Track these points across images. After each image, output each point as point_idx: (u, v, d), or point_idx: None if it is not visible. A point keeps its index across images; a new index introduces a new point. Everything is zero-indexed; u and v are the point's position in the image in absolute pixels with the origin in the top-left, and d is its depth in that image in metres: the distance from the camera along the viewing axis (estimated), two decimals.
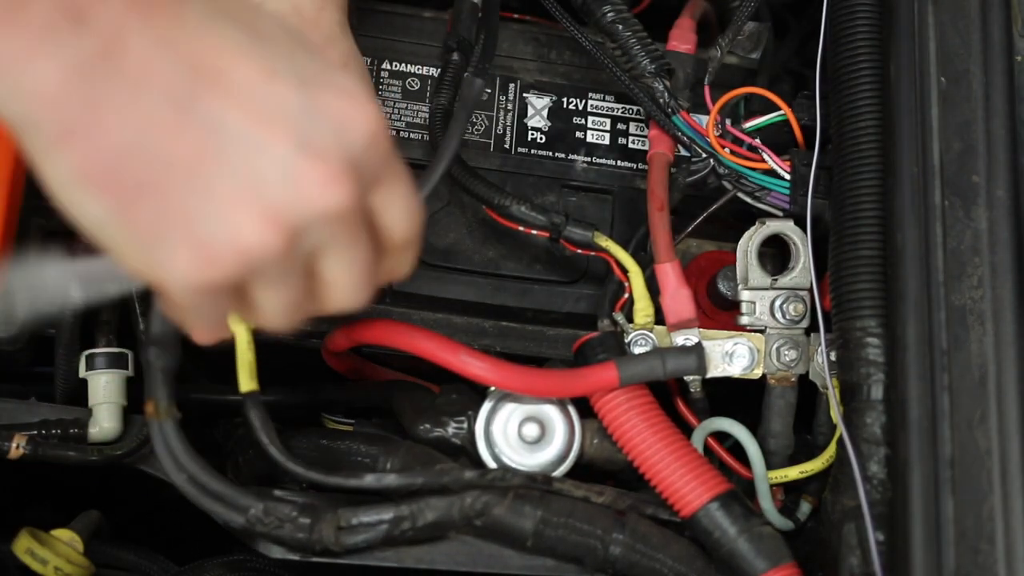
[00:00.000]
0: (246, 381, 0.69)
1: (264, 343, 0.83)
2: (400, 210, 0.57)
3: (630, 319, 0.79)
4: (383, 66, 0.86)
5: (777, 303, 0.80)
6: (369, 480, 0.71)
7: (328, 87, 0.52)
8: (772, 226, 0.80)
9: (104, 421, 0.79)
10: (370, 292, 0.58)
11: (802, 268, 0.80)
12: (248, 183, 0.49)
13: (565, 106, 0.88)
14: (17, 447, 0.76)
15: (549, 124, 0.87)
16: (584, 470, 0.78)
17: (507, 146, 0.86)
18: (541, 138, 0.87)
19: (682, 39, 0.84)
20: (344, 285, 0.56)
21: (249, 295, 0.54)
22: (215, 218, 0.49)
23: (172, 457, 0.69)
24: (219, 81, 0.49)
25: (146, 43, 0.48)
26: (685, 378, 0.79)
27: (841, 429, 0.71)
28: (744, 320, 0.80)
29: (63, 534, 0.78)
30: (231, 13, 0.51)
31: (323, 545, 0.70)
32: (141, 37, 0.48)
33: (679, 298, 0.78)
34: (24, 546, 0.75)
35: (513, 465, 0.76)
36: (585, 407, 0.77)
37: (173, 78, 0.48)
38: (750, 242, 0.81)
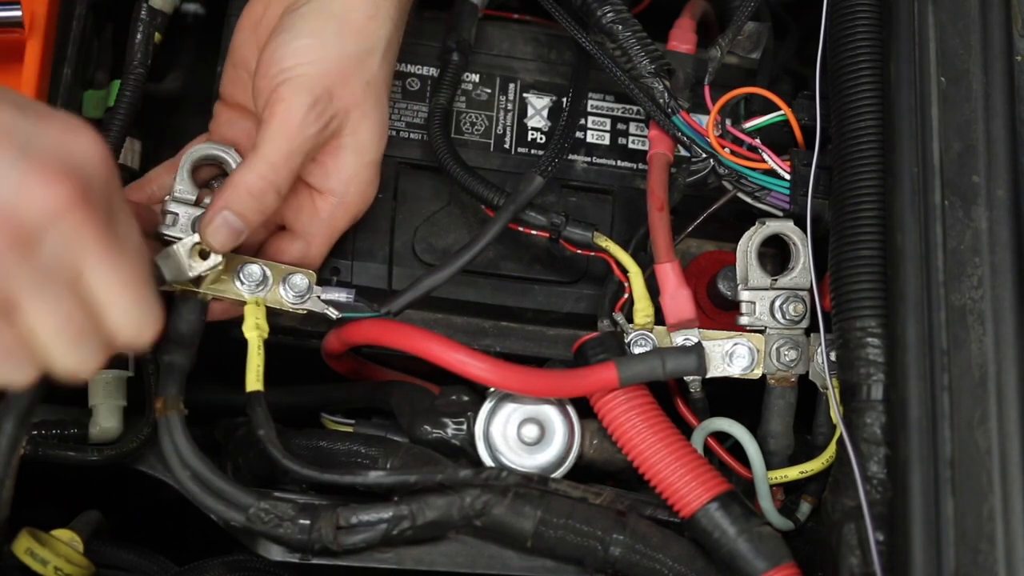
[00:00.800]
0: (253, 382, 0.72)
1: (266, 344, 0.84)
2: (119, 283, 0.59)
3: (630, 319, 0.79)
4: None
5: (777, 303, 0.80)
6: (363, 477, 0.71)
7: (51, 116, 0.57)
8: (772, 226, 0.80)
9: (104, 421, 0.79)
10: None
11: (802, 268, 0.80)
12: None
13: (565, 106, 0.88)
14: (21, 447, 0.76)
15: (549, 124, 0.87)
16: (584, 471, 0.78)
17: (507, 146, 0.86)
18: (541, 138, 0.87)
19: (682, 39, 0.84)
20: (115, 305, 0.58)
21: (21, 320, 0.56)
22: None
23: (176, 452, 0.70)
24: None
25: None
26: (685, 378, 0.79)
27: (841, 429, 0.71)
28: (744, 320, 0.80)
29: (63, 534, 0.78)
30: None
31: (322, 544, 0.70)
32: None
33: (679, 298, 0.78)
34: (24, 546, 0.75)
35: (513, 466, 0.76)
36: (585, 408, 0.77)
37: None
38: (750, 242, 0.81)
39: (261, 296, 0.75)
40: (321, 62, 0.73)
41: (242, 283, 0.74)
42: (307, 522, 0.70)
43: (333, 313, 0.76)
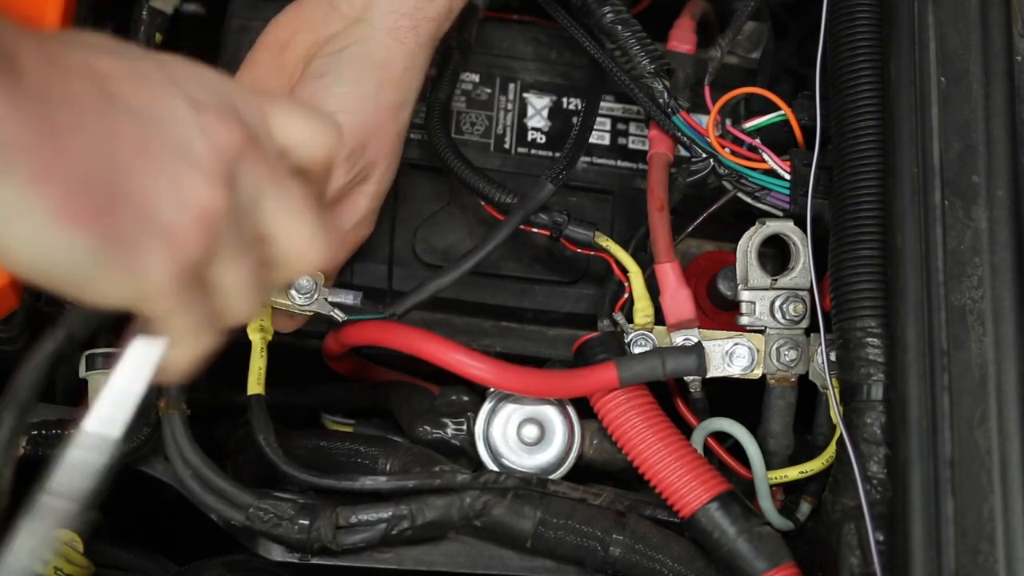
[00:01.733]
0: (254, 384, 0.73)
1: (266, 344, 0.83)
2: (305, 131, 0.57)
3: (630, 319, 0.79)
4: None
5: (777, 303, 0.80)
6: (362, 482, 0.71)
7: (189, 64, 0.55)
8: (772, 226, 0.80)
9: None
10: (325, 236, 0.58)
11: (802, 268, 0.80)
12: (177, 152, 0.51)
13: (565, 106, 0.88)
14: (19, 447, 0.76)
15: (549, 124, 0.87)
16: (584, 471, 0.78)
17: (507, 146, 0.86)
18: (541, 138, 0.87)
19: (682, 39, 0.84)
20: (291, 235, 0.56)
21: (214, 281, 0.54)
22: (169, 197, 0.50)
23: (178, 450, 0.71)
24: (112, 78, 0.51)
25: (41, 65, 0.48)
26: (685, 378, 0.79)
27: (841, 429, 0.71)
28: (744, 320, 0.80)
29: (63, 534, 0.78)
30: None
31: (321, 544, 0.70)
32: (36, 62, 0.48)
33: (679, 298, 0.78)
34: None
35: (513, 467, 0.76)
36: (584, 408, 0.77)
37: (84, 88, 0.49)
38: (750, 242, 0.81)
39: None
40: (360, 112, 0.73)
41: None
42: (306, 521, 0.70)
43: (340, 316, 0.76)
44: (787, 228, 0.80)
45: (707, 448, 0.80)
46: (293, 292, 0.75)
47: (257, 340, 0.73)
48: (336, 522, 0.70)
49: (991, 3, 0.72)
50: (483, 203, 0.80)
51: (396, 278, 0.83)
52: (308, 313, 0.76)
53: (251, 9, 0.85)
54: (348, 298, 0.76)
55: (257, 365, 0.73)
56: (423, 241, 0.83)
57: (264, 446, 0.71)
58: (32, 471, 0.79)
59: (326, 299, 0.76)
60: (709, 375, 0.79)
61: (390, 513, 0.70)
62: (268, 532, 0.70)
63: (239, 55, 0.84)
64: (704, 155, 0.79)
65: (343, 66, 0.73)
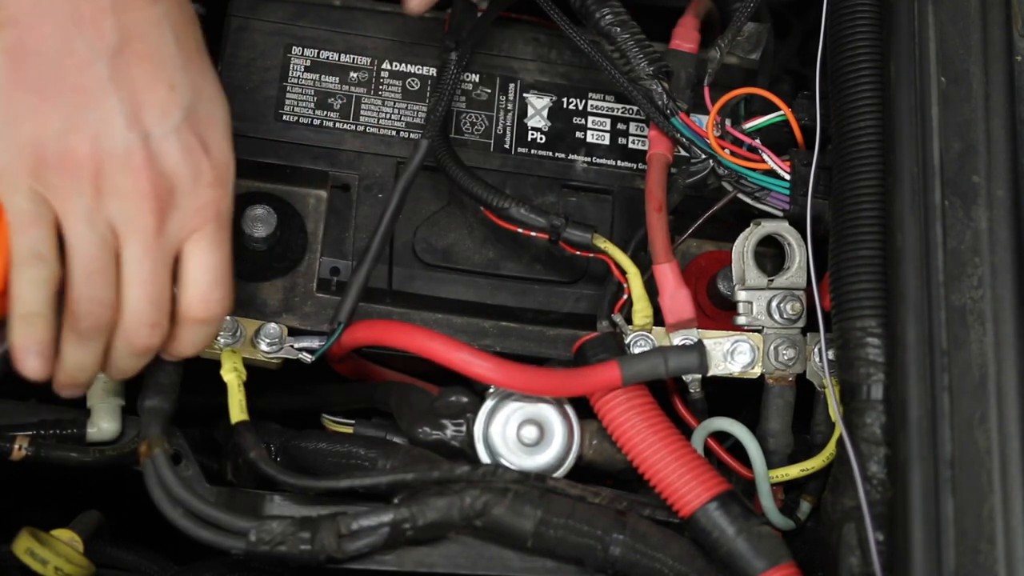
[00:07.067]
0: (237, 414, 0.74)
1: None
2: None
3: (629, 320, 0.79)
4: (383, 66, 0.86)
5: (774, 303, 0.80)
6: (361, 480, 0.71)
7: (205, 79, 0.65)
8: (767, 227, 0.80)
9: (103, 422, 0.79)
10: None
11: (798, 268, 0.80)
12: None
13: (565, 106, 0.88)
14: (19, 448, 0.76)
15: (549, 124, 0.87)
16: (583, 472, 0.78)
17: (507, 146, 0.86)
18: (541, 138, 0.87)
19: (685, 38, 0.84)
20: (204, 279, 0.64)
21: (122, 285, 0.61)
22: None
23: (165, 491, 0.70)
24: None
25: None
26: (684, 378, 0.79)
27: (841, 429, 0.71)
28: (741, 320, 0.80)
29: (63, 534, 0.78)
30: None
31: (327, 554, 0.69)
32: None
33: (678, 298, 0.78)
34: (24, 546, 0.75)
35: (512, 468, 0.76)
36: (582, 409, 0.77)
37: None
38: (745, 243, 0.81)
39: (235, 347, 0.77)
40: None
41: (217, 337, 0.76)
42: (308, 534, 0.69)
43: (307, 357, 0.78)
44: (782, 228, 0.80)
45: (707, 448, 0.80)
46: (261, 340, 0.77)
47: (233, 379, 0.75)
48: (338, 530, 0.70)
49: (991, 3, 0.72)
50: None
51: (396, 278, 0.83)
52: (276, 360, 0.78)
53: (251, 9, 0.86)
54: (314, 343, 0.78)
55: (237, 398, 0.74)
56: (423, 241, 0.83)
57: (258, 463, 0.71)
58: (32, 471, 0.79)
59: (292, 346, 0.78)
60: (710, 373, 0.79)
61: (391, 516, 0.70)
62: (272, 554, 0.69)
63: (239, 54, 0.85)
64: (703, 156, 0.79)
65: None
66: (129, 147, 0.60)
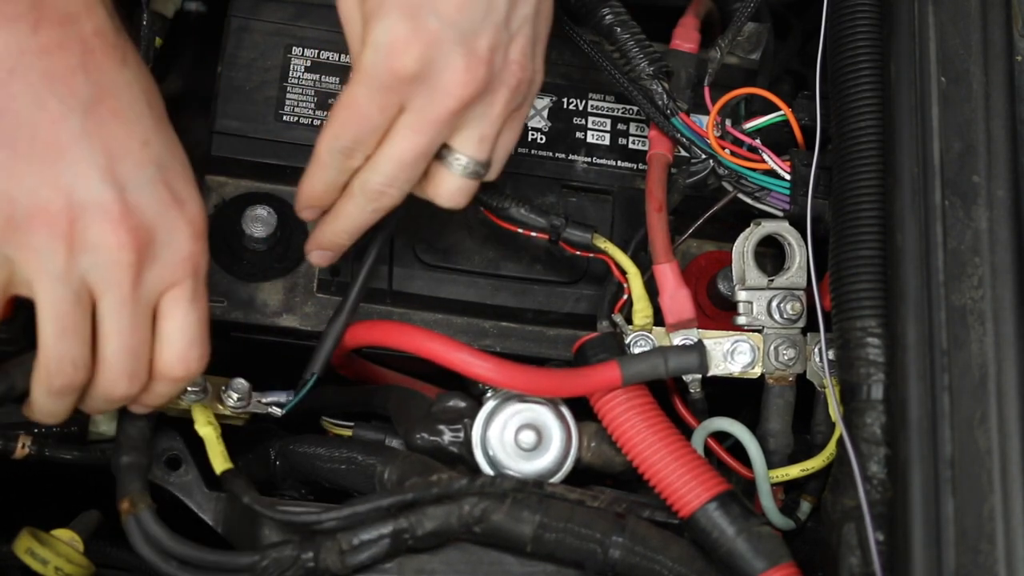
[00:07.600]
0: (220, 464, 0.73)
1: (266, 344, 0.83)
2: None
3: (629, 320, 0.79)
4: None
5: (774, 303, 0.80)
6: (360, 507, 0.70)
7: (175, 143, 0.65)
8: (767, 227, 0.80)
9: (102, 422, 0.79)
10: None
11: (797, 267, 0.80)
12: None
13: (565, 106, 0.88)
14: (23, 447, 0.76)
15: (549, 124, 0.87)
16: (582, 475, 0.78)
17: None
18: (541, 138, 0.87)
19: (685, 38, 0.84)
20: (181, 338, 0.65)
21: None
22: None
23: (154, 546, 0.69)
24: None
25: None
26: (684, 378, 0.79)
27: (841, 429, 0.71)
28: (741, 320, 0.80)
29: (63, 534, 0.78)
30: None
31: (331, 572, 0.70)
32: None
33: (678, 298, 0.78)
34: (24, 546, 0.75)
35: (511, 472, 0.76)
36: (580, 412, 0.77)
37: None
38: (746, 243, 0.81)
39: (202, 403, 0.74)
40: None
41: (183, 393, 0.73)
42: (310, 555, 0.69)
43: (277, 411, 0.76)
44: (782, 228, 0.80)
45: (707, 448, 0.80)
46: (230, 394, 0.75)
47: (209, 432, 0.74)
48: (340, 547, 0.70)
49: (991, 3, 0.72)
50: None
51: (396, 278, 0.83)
52: (244, 416, 0.77)
53: (251, 9, 0.85)
54: (281, 397, 0.77)
55: (218, 449, 0.73)
56: (423, 241, 0.83)
57: (252, 505, 0.71)
58: (33, 470, 0.79)
59: (259, 400, 0.76)
60: (710, 373, 0.79)
61: (391, 528, 0.70)
62: None
63: (239, 54, 0.85)
64: (704, 156, 0.79)
65: None
66: (105, 198, 0.59)
